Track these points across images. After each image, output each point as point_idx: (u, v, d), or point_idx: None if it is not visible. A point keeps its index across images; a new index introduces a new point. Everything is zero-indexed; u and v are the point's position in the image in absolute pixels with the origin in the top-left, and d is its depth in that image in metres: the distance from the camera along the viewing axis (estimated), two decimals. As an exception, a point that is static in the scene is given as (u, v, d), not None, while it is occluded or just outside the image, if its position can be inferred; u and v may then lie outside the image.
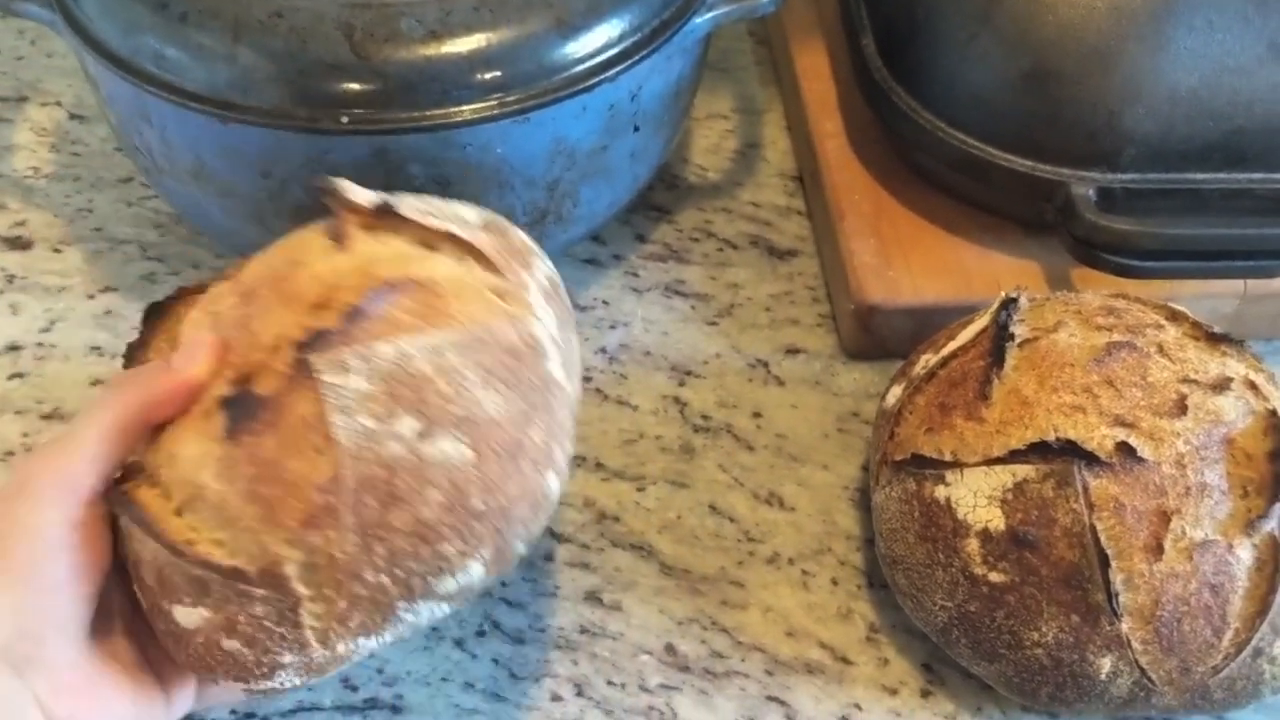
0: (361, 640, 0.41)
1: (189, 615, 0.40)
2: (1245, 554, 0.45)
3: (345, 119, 0.50)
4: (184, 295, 0.48)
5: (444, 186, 0.53)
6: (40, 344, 0.60)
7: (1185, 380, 0.48)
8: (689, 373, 0.61)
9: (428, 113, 0.51)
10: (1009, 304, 0.51)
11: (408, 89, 0.50)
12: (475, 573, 0.41)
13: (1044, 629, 0.46)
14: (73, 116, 0.71)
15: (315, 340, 0.40)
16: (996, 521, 0.46)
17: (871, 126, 0.65)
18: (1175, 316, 0.52)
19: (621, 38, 0.54)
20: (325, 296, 0.41)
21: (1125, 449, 0.46)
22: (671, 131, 0.62)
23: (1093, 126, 0.56)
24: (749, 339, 0.62)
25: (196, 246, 0.64)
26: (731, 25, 0.77)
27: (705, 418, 0.59)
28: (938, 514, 0.48)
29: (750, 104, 0.74)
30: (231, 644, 0.40)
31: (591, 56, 0.53)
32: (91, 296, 0.62)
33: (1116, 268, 0.56)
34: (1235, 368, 0.50)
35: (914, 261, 0.60)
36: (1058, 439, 0.46)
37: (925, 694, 0.50)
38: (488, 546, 0.41)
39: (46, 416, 0.57)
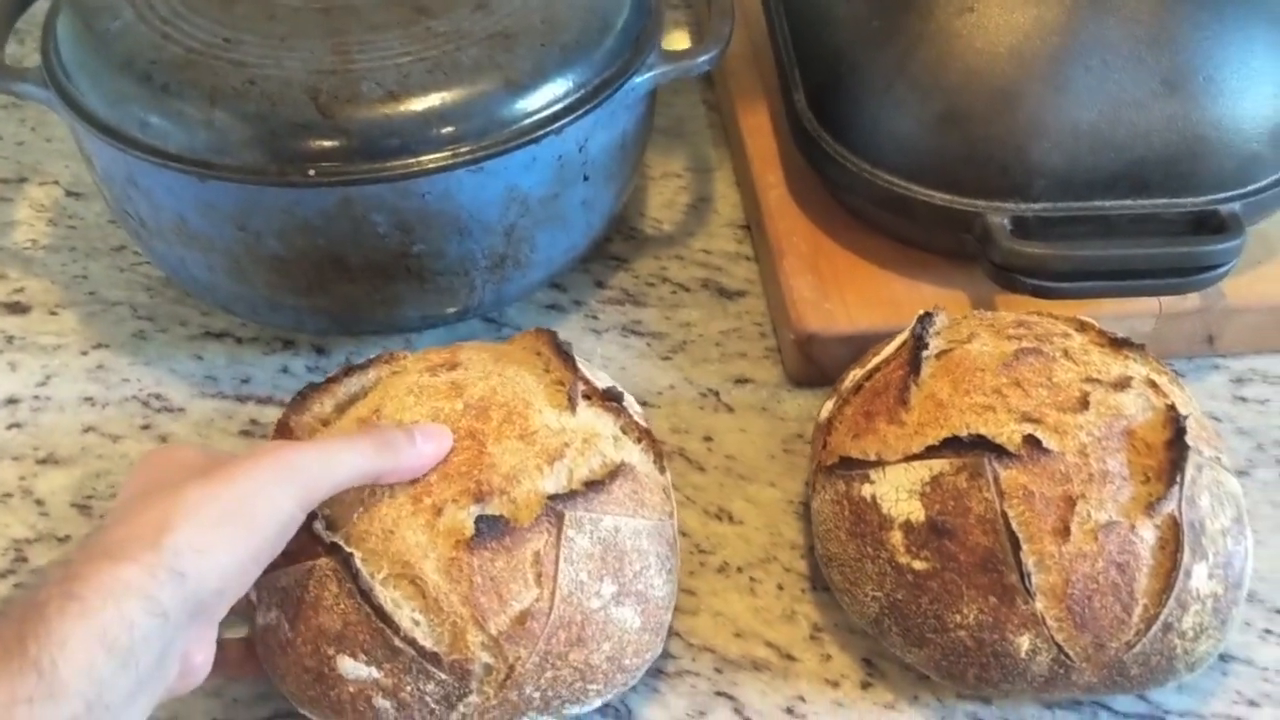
0: None
1: (356, 669, 0.47)
2: (1148, 534, 0.49)
3: (313, 172, 0.55)
4: (327, 384, 0.55)
5: (406, 232, 0.58)
6: (37, 396, 0.64)
7: (1088, 380, 0.52)
8: (645, 403, 0.65)
9: (388, 164, 0.56)
10: (925, 319, 0.56)
11: (369, 144, 0.55)
12: (592, 706, 0.49)
13: (965, 611, 0.49)
14: (70, 194, 0.76)
15: (567, 499, 0.48)
16: (917, 513, 0.50)
17: (808, 175, 0.69)
18: (1083, 327, 0.56)
19: (566, 95, 0.59)
20: (559, 451, 0.50)
21: (1032, 441, 0.50)
22: (622, 182, 0.67)
23: (1003, 161, 0.60)
24: (701, 371, 0.66)
25: (184, 307, 0.69)
26: (686, 93, 0.83)
27: (659, 442, 0.63)
28: (865, 510, 0.51)
29: (702, 163, 0.79)
30: (383, 703, 0.47)
31: (539, 111, 0.58)
32: (85, 353, 0.67)
33: (1034, 290, 0.60)
34: (1137, 369, 0.54)
35: (849, 294, 0.65)
36: (969, 435, 0.50)
37: (865, 685, 0.53)
38: (613, 693, 0.50)
39: (41, 461, 0.61)
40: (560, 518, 0.48)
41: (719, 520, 0.60)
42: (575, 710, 0.49)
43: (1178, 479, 0.49)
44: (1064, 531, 0.49)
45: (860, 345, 0.62)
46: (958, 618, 0.49)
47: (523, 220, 0.61)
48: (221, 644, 0.46)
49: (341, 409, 0.54)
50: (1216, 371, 0.66)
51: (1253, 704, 0.53)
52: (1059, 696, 0.52)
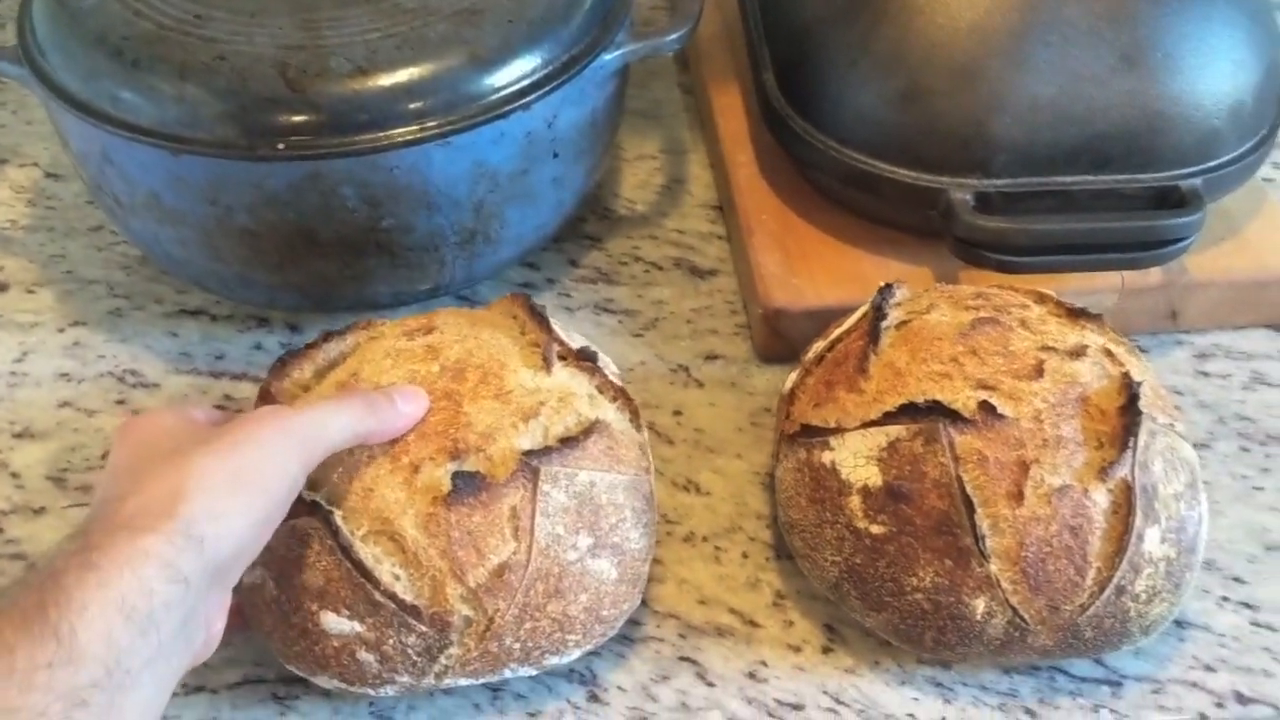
0: (462, 680, 0.49)
1: (340, 624, 0.48)
2: (1101, 498, 0.49)
3: (282, 146, 0.56)
4: (306, 349, 0.56)
5: (375, 207, 0.59)
6: (13, 372, 0.65)
7: (1044, 348, 0.53)
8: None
9: (357, 139, 0.56)
10: (885, 291, 0.56)
11: (338, 118, 0.56)
12: (572, 657, 0.51)
13: (921, 574, 0.50)
14: (48, 175, 0.77)
15: (542, 454, 0.49)
16: (875, 478, 0.51)
17: (778, 154, 0.70)
18: (1042, 299, 0.57)
19: (534, 71, 0.59)
20: (534, 410, 0.51)
21: (987, 407, 0.51)
22: (593, 161, 0.68)
23: (965, 136, 0.61)
24: (671, 348, 0.67)
25: (160, 285, 0.70)
26: (662, 76, 0.84)
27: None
28: (825, 476, 0.52)
29: (677, 145, 0.80)
30: (366, 656, 0.48)
31: (506, 87, 0.59)
32: (61, 330, 0.67)
33: (997, 264, 0.61)
34: (1094, 339, 0.54)
35: (816, 270, 0.66)
36: (926, 401, 0.51)
37: (826, 650, 0.54)
38: (592, 643, 0.51)
39: (18, 435, 0.62)
40: (536, 473, 0.49)
41: (686, 491, 0.60)
42: (555, 661, 0.50)
43: (1130, 444, 0.50)
44: (1018, 495, 0.49)
45: (827, 320, 0.63)
46: (914, 581, 0.50)
47: (491, 196, 0.61)
48: None
49: (321, 374, 0.55)
50: (1180, 347, 0.67)
51: (1209, 669, 0.53)
52: (1016, 660, 0.52)
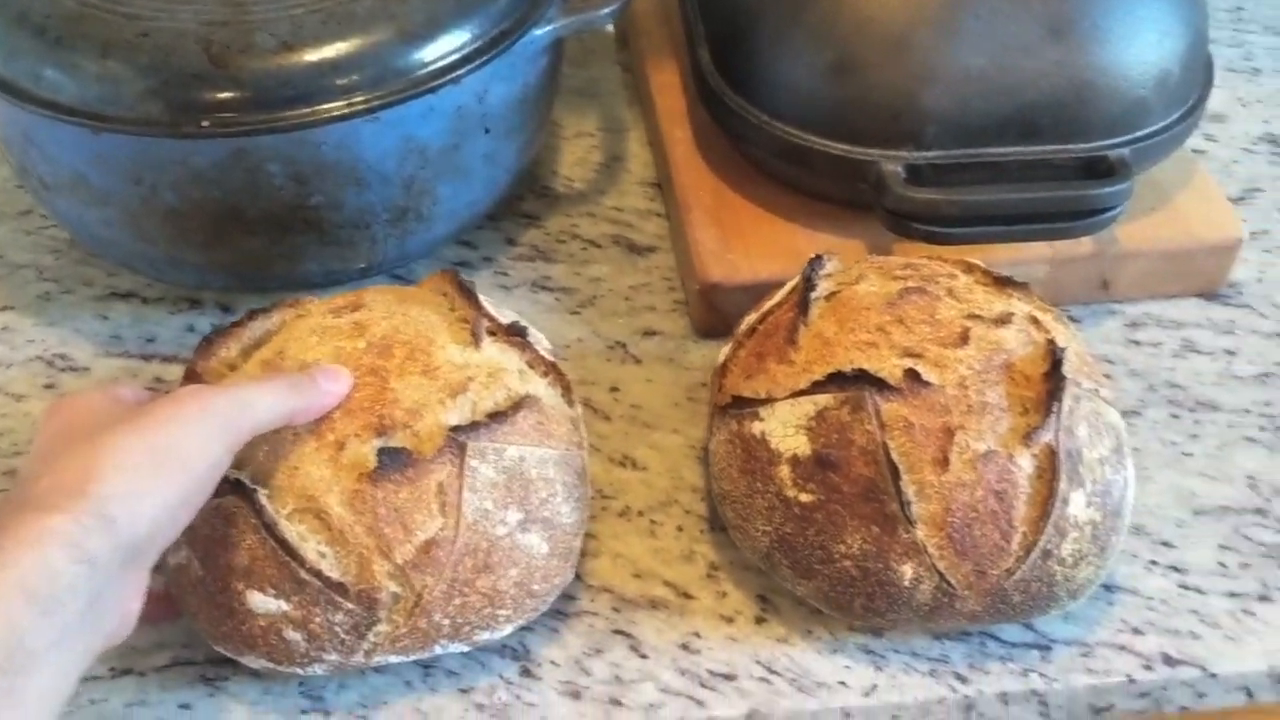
0: (392, 657, 0.49)
1: (266, 603, 0.48)
2: (1025, 463, 0.50)
3: (206, 123, 0.56)
4: (232, 328, 0.55)
5: (302, 184, 0.58)
6: (-60, 357, 0.64)
7: (970, 316, 0.53)
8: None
9: (282, 115, 0.56)
10: (815, 262, 0.56)
11: (263, 94, 0.56)
12: (504, 632, 0.51)
13: (850, 541, 0.50)
14: (-23, 159, 0.75)
15: (470, 430, 0.49)
16: (803, 447, 0.51)
17: (714, 130, 0.70)
18: (970, 269, 0.57)
19: (463, 45, 0.59)
20: (462, 385, 0.51)
21: (912, 375, 0.51)
22: (527, 137, 0.67)
23: (896, 108, 0.61)
24: (609, 325, 0.67)
25: (90, 268, 0.69)
26: (601, 54, 0.84)
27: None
28: (755, 447, 0.52)
29: (616, 123, 0.80)
30: (293, 635, 0.48)
31: (435, 62, 0.58)
32: (-10, 314, 0.66)
33: (927, 236, 0.61)
34: (1020, 307, 0.55)
35: (751, 245, 0.66)
36: (852, 369, 0.51)
37: (759, 621, 0.54)
38: (524, 617, 0.51)
39: (-56, 420, 0.61)
40: (463, 448, 0.49)
41: (623, 467, 0.60)
42: (487, 636, 0.50)
43: (1054, 409, 0.50)
44: (943, 461, 0.50)
45: (762, 294, 0.63)
46: (842, 548, 0.50)
47: (422, 172, 0.61)
48: None
49: (247, 353, 0.54)
50: (1112, 316, 0.68)
51: (1137, 632, 0.54)
52: (946, 626, 0.53)
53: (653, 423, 0.62)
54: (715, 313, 0.65)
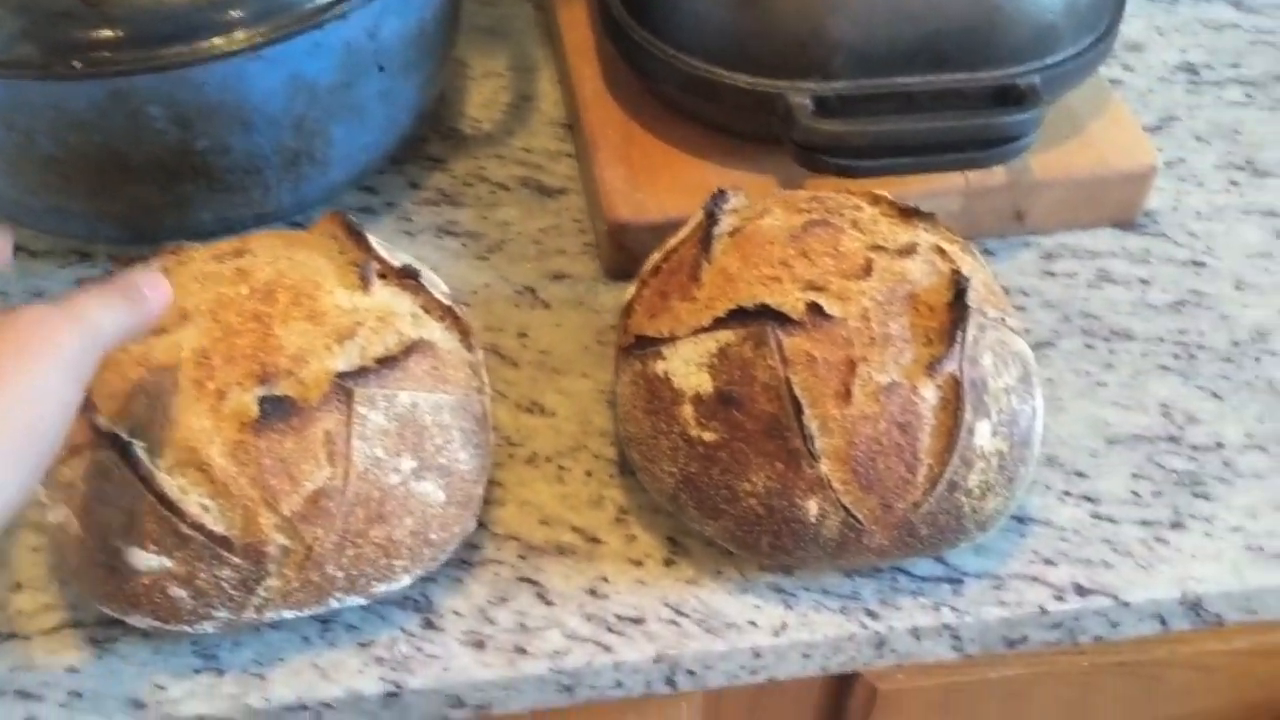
0: (286, 612, 0.48)
1: (147, 560, 0.46)
2: (929, 394, 0.49)
3: (78, 64, 0.53)
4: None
5: (186, 127, 0.56)
6: None
7: (873, 248, 0.52)
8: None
9: (159, 54, 0.54)
10: (718, 197, 0.55)
11: (138, 32, 0.53)
12: (403, 584, 0.49)
13: (754, 479, 0.49)
14: None
15: (358, 376, 0.48)
16: (706, 385, 0.50)
17: (623, 67, 0.68)
18: (876, 200, 0.56)
19: (351, -22, 0.57)
20: (350, 330, 0.49)
21: (815, 308, 0.50)
22: (426, 75, 0.65)
23: (802, 38, 0.60)
24: (517, 269, 0.65)
25: (-24, 222, 0.66)
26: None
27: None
28: (659, 387, 0.51)
29: (525, 61, 0.78)
30: (178, 592, 0.46)
31: (320, -4, 0.56)
32: None
33: (837, 169, 0.60)
34: (925, 237, 0.54)
35: (660, 183, 0.64)
36: (754, 304, 0.50)
37: (669, 563, 0.53)
38: (422, 568, 0.49)
39: None
40: (350, 395, 0.47)
41: (530, 413, 0.59)
42: (384, 588, 0.49)
43: (957, 338, 0.49)
44: (846, 395, 0.49)
45: (670, 234, 0.62)
46: (747, 486, 0.49)
47: (312, 112, 0.59)
48: None
49: None
50: (1027, 248, 0.67)
51: (1049, 563, 0.54)
52: (856, 563, 0.52)
53: (562, 368, 0.61)
54: (625, 253, 0.64)
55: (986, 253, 0.66)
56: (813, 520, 0.49)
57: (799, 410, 0.48)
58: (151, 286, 0.45)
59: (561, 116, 0.74)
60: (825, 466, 0.48)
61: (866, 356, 0.49)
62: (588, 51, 0.72)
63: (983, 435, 0.49)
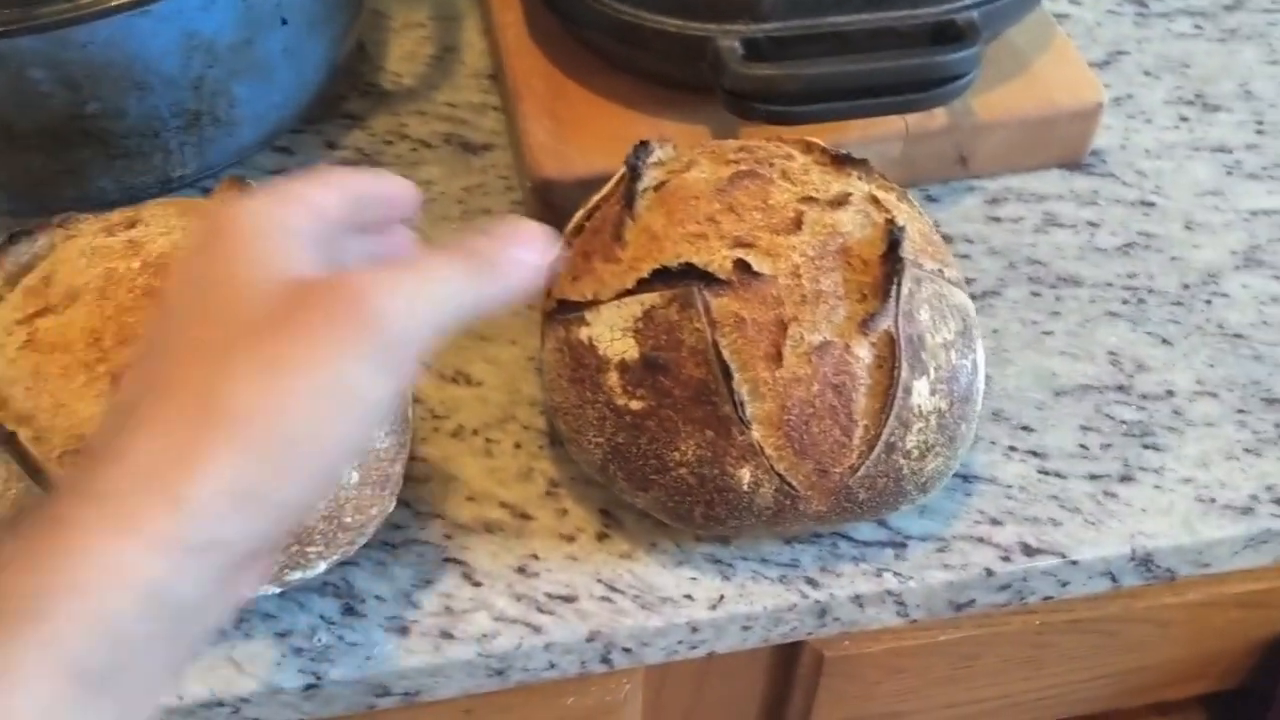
0: None
1: None
2: (864, 353, 0.47)
3: (-52, 26, 0.49)
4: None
5: (74, 90, 0.52)
6: None
7: (804, 199, 0.49)
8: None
9: (36, 12, 0.50)
10: (640, 149, 0.52)
11: (12, -10, 0.49)
12: (319, 570, 0.46)
13: (684, 448, 0.47)
14: None
15: None
16: (631, 351, 0.47)
17: (548, 12, 0.65)
18: (809, 148, 0.53)
19: (245, -73, 0.53)
20: None
21: (742, 266, 0.47)
22: (336, 30, 0.62)
23: (728, -23, 0.57)
24: (440, 232, 0.62)
25: None
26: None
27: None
28: (583, 354, 0.48)
29: (449, 10, 0.74)
30: None
31: (212, -54, 0.52)
32: None
33: (769, 115, 0.57)
34: (860, 186, 0.51)
35: (587, 137, 0.61)
36: (679, 264, 0.47)
37: (602, 537, 0.51)
38: (339, 552, 0.47)
39: None
40: None
41: (456, 384, 0.56)
42: (299, 575, 0.46)
43: (892, 293, 0.47)
44: (777, 357, 0.46)
45: (599, 190, 0.59)
46: (677, 455, 0.47)
47: (212, 71, 0.55)
48: None
49: (12, 281, 0.49)
50: (971, 193, 0.64)
51: (995, 522, 0.52)
52: (794, 530, 0.50)
53: (489, 334, 0.58)
54: (553, 212, 0.60)
55: (929, 199, 0.64)
56: (746, 489, 0.47)
57: (728, 375, 0.46)
58: (523, 244, 0.36)
59: (487, 68, 0.71)
60: (757, 433, 0.46)
61: (798, 316, 0.46)
62: (511, -3, 0.68)
63: (921, 394, 0.47)
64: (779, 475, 0.46)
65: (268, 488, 0.30)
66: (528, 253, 0.36)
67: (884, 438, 0.46)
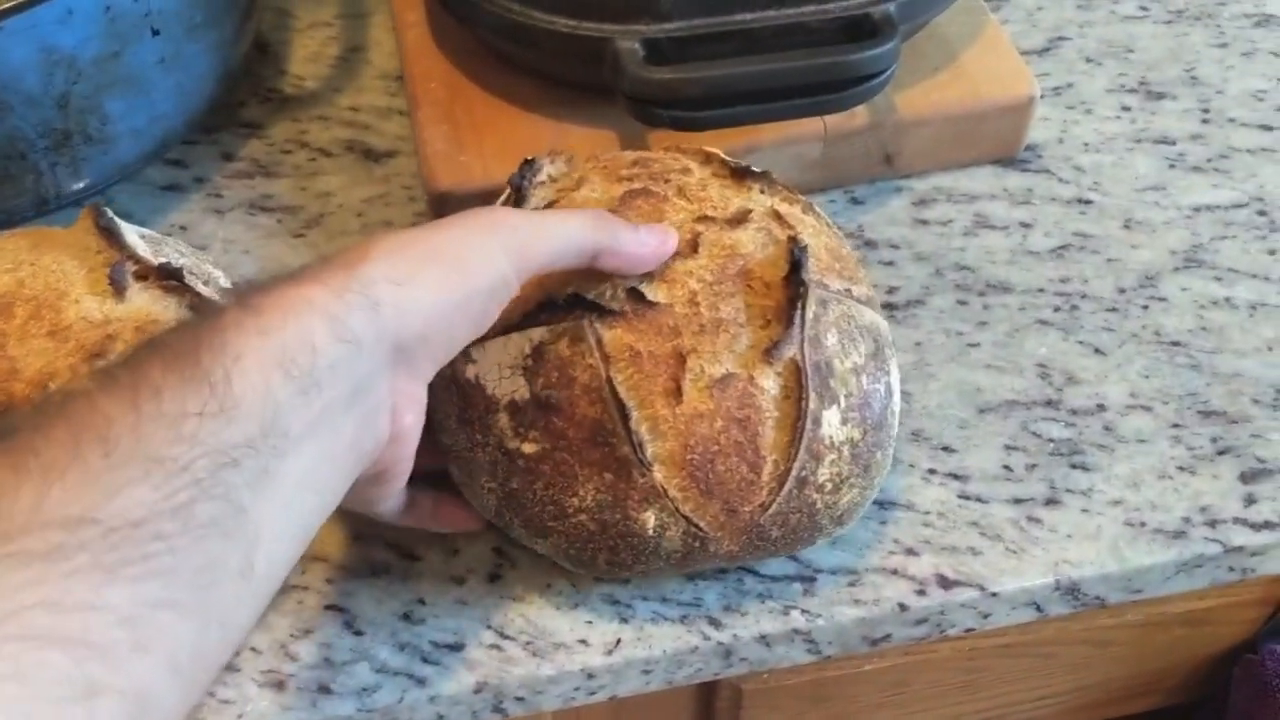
0: None
1: None
2: (769, 383, 0.44)
3: None
4: None
5: (-78, 113, 0.49)
6: None
7: (700, 219, 0.46)
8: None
9: (-126, 32, 0.46)
10: (526, 168, 0.49)
11: None
12: None
13: (582, 493, 0.44)
14: None
15: None
16: (521, 390, 0.44)
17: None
18: (708, 159, 0.50)
19: (103, -69, 0.50)
20: (99, 346, 0.43)
21: (636, 295, 0.44)
22: (224, 35, 0.58)
23: (627, -25, 0.53)
24: (338, 246, 0.59)
25: None
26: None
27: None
28: (471, 393, 0.45)
29: (356, 7, 0.70)
30: None
31: (66, -46, 0.49)
32: None
33: (673, 121, 0.54)
34: (761, 200, 0.48)
35: (488, 144, 0.58)
36: (567, 294, 0.44)
37: (493, 579, 0.48)
38: None
39: None
40: None
41: (348, 411, 0.53)
42: None
43: (796, 318, 0.44)
44: (676, 392, 0.43)
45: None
46: (575, 501, 0.44)
47: (78, 88, 0.52)
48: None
49: None
50: (898, 194, 0.61)
51: (911, 553, 0.49)
52: (703, 569, 0.47)
53: (385, 357, 0.55)
54: (454, 224, 0.57)
55: (854, 201, 0.61)
56: (651, 533, 0.44)
57: (625, 413, 0.43)
58: (651, 231, 0.44)
59: (395, 69, 0.67)
60: (659, 474, 0.43)
61: (697, 347, 0.43)
62: (413, -6, 0.65)
63: (831, 424, 0.44)
64: (685, 517, 0.43)
65: (412, 280, 0.37)
66: (649, 235, 0.44)
67: (794, 473, 0.43)
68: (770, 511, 0.44)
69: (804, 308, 0.44)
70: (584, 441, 0.43)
